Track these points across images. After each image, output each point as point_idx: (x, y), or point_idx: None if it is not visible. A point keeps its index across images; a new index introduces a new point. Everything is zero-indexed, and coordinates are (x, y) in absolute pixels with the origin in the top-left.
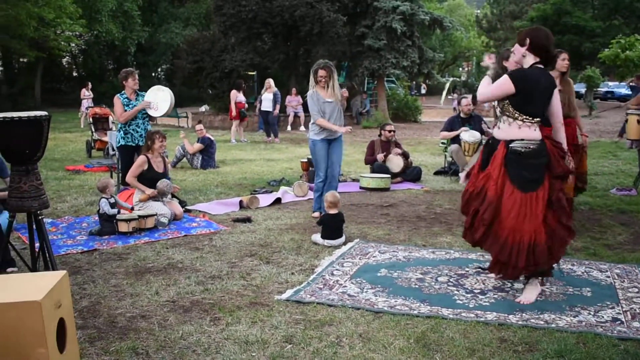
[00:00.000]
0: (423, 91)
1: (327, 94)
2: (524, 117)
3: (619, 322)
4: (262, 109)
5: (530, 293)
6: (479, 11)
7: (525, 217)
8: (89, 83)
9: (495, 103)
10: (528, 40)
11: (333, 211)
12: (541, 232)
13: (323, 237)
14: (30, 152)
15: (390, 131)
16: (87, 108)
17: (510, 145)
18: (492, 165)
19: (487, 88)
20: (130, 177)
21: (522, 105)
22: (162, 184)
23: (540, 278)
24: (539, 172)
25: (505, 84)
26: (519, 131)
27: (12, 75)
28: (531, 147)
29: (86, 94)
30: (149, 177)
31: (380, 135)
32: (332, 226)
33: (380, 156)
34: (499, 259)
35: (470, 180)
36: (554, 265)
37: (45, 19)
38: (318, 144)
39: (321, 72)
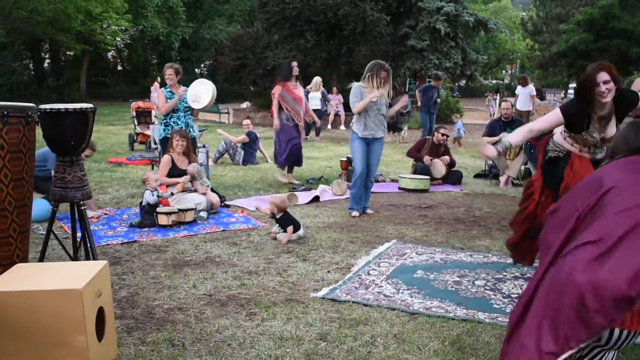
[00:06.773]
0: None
1: (373, 94)
2: None
3: None
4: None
5: None
6: (524, 13)
7: None
8: (158, 77)
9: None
10: None
11: (280, 214)
12: None
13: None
14: (75, 143)
15: (443, 135)
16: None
17: None
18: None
19: None
20: (160, 177)
21: None
22: (190, 167)
23: None
24: None
25: None
26: None
27: (59, 67)
28: None
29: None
30: (174, 175)
31: (433, 135)
32: (286, 223)
33: (427, 158)
34: None
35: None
36: None
37: (92, 13)
38: (356, 140)
39: (384, 74)
